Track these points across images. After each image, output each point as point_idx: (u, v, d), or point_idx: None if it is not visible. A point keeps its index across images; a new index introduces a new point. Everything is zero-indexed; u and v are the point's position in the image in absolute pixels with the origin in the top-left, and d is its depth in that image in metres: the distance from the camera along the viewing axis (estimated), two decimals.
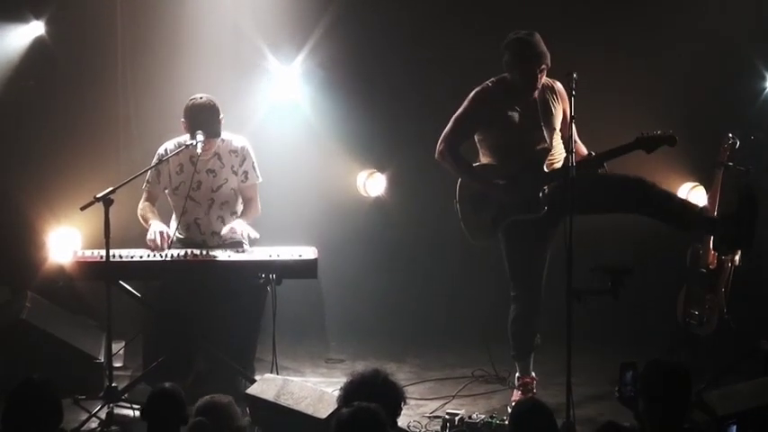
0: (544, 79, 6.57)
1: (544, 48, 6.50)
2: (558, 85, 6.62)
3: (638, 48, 7.93)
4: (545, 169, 6.49)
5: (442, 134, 6.69)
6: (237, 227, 6.77)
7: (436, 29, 8.35)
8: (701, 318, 7.06)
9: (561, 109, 6.62)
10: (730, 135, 7.05)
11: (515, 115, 6.52)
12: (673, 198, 6.63)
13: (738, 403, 5.76)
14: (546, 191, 6.47)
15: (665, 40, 7.95)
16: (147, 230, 6.74)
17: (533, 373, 6.77)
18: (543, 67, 6.49)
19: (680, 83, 8.00)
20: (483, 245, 6.85)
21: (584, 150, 6.54)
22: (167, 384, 5.14)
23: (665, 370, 4.95)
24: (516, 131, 6.53)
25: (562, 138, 6.55)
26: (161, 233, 6.65)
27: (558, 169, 6.46)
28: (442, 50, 8.33)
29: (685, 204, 6.72)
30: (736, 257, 6.98)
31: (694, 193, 7.95)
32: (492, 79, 6.64)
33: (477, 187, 6.65)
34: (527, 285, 6.66)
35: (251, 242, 6.86)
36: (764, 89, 8.01)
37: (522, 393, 6.70)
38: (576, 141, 6.53)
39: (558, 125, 6.60)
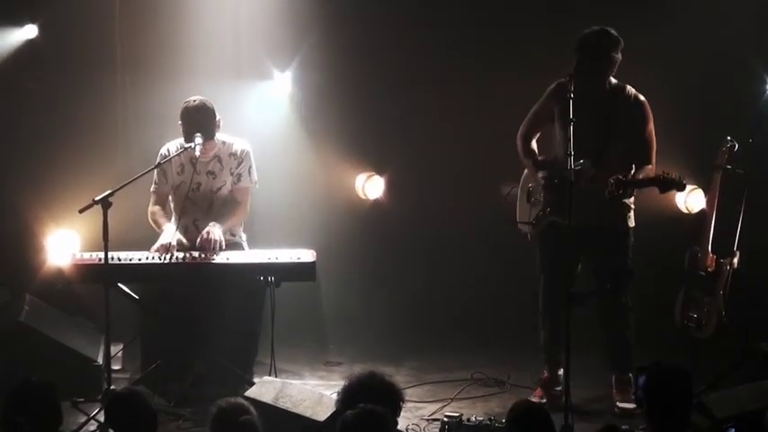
0: (629, 91, 6.56)
1: (596, 41, 6.48)
2: (641, 99, 6.58)
3: (637, 49, 7.91)
4: (588, 180, 6.31)
5: None
6: (212, 236, 6.70)
7: (435, 31, 8.34)
8: (700, 321, 7.05)
9: (638, 126, 6.52)
10: (729, 138, 7.05)
11: (577, 117, 6.14)
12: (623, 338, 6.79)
13: (737, 406, 5.76)
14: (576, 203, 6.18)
15: (664, 41, 7.93)
16: (160, 235, 6.77)
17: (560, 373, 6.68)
18: (591, 59, 6.45)
19: (679, 85, 7.99)
20: (524, 232, 6.85)
21: (644, 173, 6.45)
22: (126, 387, 5.07)
23: (666, 373, 4.95)
24: (572, 134, 6.18)
25: (632, 156, 6.52)
26: (170, 245, 6.64)
27: (593, 186, 6.30)
28: (440, 52, 8.32)
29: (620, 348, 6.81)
30: (735, 260, 7.00)
31: (692, 196, 7.95)
32: (569, 75, 6.50)
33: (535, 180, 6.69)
34: (548, 293, 6.71)
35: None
36: (764, 92, 8.00)
37: (542, 390, 6.77)
38: (646, 165, 6.46)
39: (625, 141, 6.50)
